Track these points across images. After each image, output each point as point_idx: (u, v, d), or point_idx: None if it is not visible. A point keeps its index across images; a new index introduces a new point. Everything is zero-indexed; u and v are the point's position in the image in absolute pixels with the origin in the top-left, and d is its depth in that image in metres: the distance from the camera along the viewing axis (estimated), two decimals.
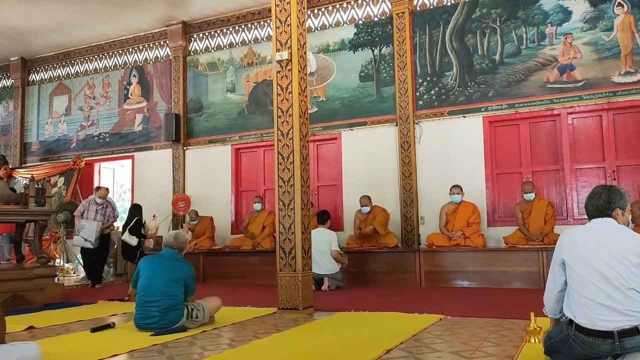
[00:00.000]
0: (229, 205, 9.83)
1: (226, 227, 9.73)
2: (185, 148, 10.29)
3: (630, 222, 2.79)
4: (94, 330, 4.12)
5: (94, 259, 8.13)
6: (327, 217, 7.45)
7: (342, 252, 7.40)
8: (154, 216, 8.44)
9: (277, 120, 5.11)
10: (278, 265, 5.00)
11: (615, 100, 7.38)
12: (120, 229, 8.66)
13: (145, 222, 7.72)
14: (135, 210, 8.45)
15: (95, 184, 11.37)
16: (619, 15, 7.47)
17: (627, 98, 7.32)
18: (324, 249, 7.02)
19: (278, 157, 5.07)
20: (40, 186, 7.06)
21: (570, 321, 2.62)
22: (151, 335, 3.86)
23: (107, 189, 8.31)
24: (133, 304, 4.29)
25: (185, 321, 4.07)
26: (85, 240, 7.99)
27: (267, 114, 9.56)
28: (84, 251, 8.10)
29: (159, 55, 10.83)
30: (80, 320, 4.81)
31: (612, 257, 2.52)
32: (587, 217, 2.75)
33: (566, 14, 7.76)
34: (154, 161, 10.57)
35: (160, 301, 3.98)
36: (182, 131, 10.25)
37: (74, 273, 10.05)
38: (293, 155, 5.00)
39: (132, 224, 7.48)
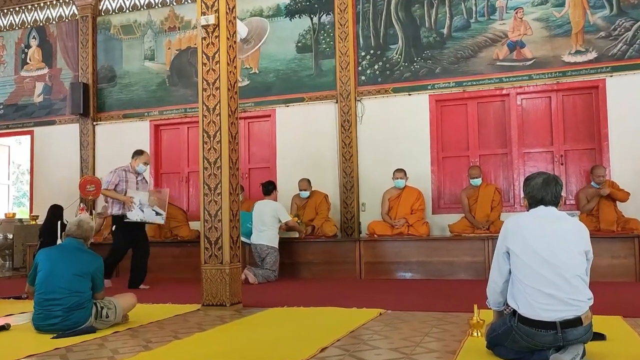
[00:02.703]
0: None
1: None
2: (95, 123, 9.93)
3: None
4: None
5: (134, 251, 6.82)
6: (273, 188, 7.58)
7: (299, 221, 7.68)
8: (81, 209, 8.16)
9: (203, 94, 5.01)
10: (202, 256, 4.94)
11: (564, 81, 7.75)
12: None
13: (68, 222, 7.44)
14: (56, 211, 8.15)
15: None
16: None
17: (577, 79, 7.70)
18: (269, 221, 7.20)
19: (203, 136, 4.99)
20: None
21: (514, 312, 2.75)
22: (53, 337, 3.72)
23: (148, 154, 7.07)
24: (32, 302, 4.11)
25: (94, 321, 3.95)
26: (157, 214, 6.80)
27: (191, 86, 9.36)
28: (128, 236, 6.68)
29: (63, 15, 10.32)
30: None
31: (558, 243, 2.66)
32: (532, 204, 2.86)
33: None
34: (57, 138, 10.13)
35: (64, 299, 3.84)
36: (91, 103, 9.87)
37: None
38: (220, 134, 4.93)
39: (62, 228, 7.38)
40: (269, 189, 7.52)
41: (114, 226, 6.79)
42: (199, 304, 5.00)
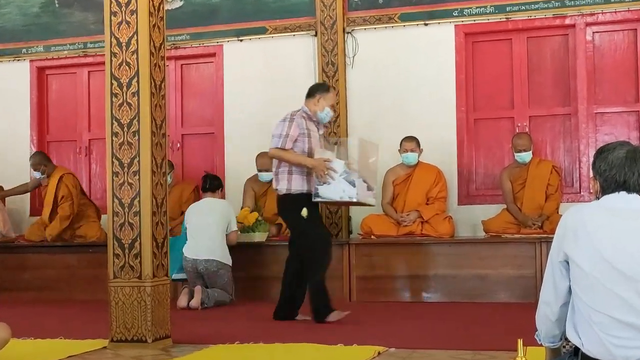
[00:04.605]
0: (27, 168, 9.51)
1: (22, 205, 9.46)
2: None
3: None
4: None
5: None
6: (219, 184, 7.68)
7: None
8: None
9: (111, 20, 4.97)
10: (111, 268, 4.93)
11: None
12: None
13: None
14: None
15: None
16: None
17: None
18: (220, 226, 7.25)
19: (112, 84, 4.95)
20: None
21: (576, 350, 2.78)
22: None
23: None
24: None
25: None
26: (369, 188, 6.14)
27: (93, 9, 9.24)
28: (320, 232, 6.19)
29: None
30: None
31: None
32: (607, 188, 2.87)
33: None
34: None
35: None
36: None
37: None
38: (138, 82, 4.90)
39: None
40: (214, 184, 7.56)
41: (304, 210, 5.99)
42: (106, 339, 4.97)
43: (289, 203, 6.04)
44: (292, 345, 4.89)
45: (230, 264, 7.26)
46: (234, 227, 7.41)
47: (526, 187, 7.64)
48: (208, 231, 7.21)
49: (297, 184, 6.04)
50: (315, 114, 6.16)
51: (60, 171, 8.71)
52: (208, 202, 7.45)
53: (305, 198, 6.01)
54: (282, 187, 6.10)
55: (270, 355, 4.66)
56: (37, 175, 8.78)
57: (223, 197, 7.90)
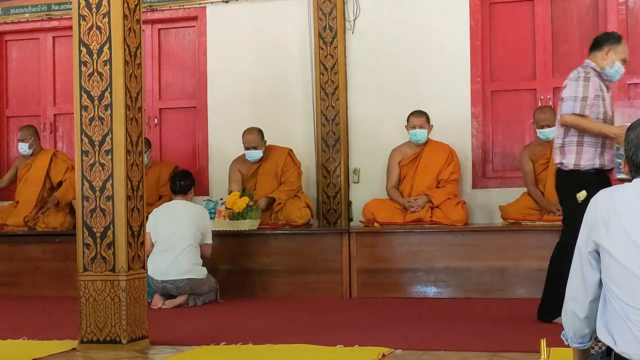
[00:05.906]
0: None
1: None
2: None
3: None
4: None
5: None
6: (191, 183, 7.38)
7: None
8: None
9: None
10: (81, 260, 4.93)
11: None
12: None
13: None
14: None
15: None
16: None
17: None
18: (189, 238, 7.00)
19: (80, 52, 4.94)
20: None
21: (608, 351, 2.78)
22: None
23: None
24: None
25: None
26: None
27: None
28: None
29: None
30: None
31: None
32: (632, 170, 2.86)
33: None
34: None
35: None
36: None
37: None
38: (110, 49, 4.88)
39: None
40: (184, 184, 7.24)
41: (582, 193, 5.48)
42: (76, 340, 4.98)
43: (576, 180, 5.59)
44: (284, 347, 4.90)
45: (206, 275, 7.08)
46: (209, 240, 7.18)
47: (550, 168, 7.60)
48: (179, 245, 6.91)
49: (588, 158, 5.61)
50: (604, 70, 5.75)
51: (49, 150, 8.95)
52: (178, 208, 7.13)
53: (596, 174, 5.60)
54: (568, 161, 5.66)
55: (261, 358, 4.67)
56: (24, 147, 8.75)
57: (205, 192, 7.77)
